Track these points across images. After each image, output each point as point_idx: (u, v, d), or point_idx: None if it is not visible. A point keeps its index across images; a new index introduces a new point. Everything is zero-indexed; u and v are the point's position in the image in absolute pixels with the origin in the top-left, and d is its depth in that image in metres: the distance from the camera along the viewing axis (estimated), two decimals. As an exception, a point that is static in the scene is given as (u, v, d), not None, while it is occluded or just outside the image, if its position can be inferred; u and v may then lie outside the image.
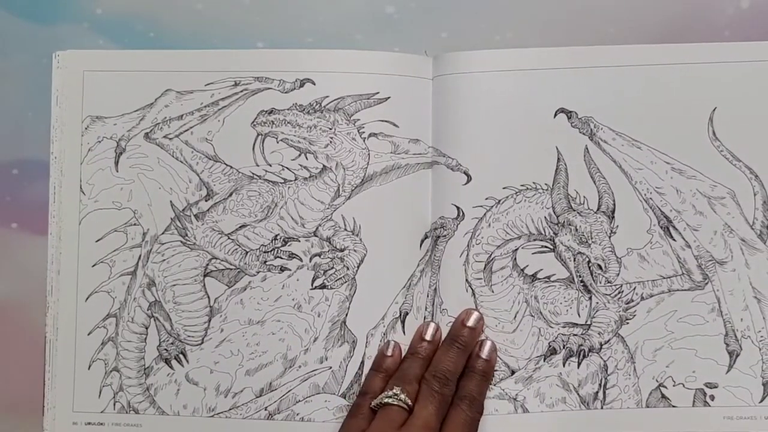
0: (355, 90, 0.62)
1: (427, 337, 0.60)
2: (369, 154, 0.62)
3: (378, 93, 0.62)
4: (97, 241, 0.63)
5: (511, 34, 0.63)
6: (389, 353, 0.61)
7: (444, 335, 0.61)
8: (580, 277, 0.61)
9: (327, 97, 0.62)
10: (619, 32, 0.63)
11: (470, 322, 0.60)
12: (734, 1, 0.63)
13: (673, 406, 0.60)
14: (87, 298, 0.63)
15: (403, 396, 0.57)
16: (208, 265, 0.63)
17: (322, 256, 0.62)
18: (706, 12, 0.63)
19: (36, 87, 0.63)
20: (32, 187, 0.63)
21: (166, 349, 0.62)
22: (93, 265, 0.63)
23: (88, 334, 0.62)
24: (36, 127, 0.63)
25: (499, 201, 0.62)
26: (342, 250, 0.62)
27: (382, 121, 0.62)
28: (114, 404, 0.62)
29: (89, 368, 0.62)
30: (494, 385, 0.60)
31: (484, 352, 0.60)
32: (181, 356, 0.62)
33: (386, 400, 0.57)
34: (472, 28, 0.64)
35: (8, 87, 0.64)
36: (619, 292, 0.61)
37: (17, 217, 0.64)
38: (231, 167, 0.63)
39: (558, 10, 0.64)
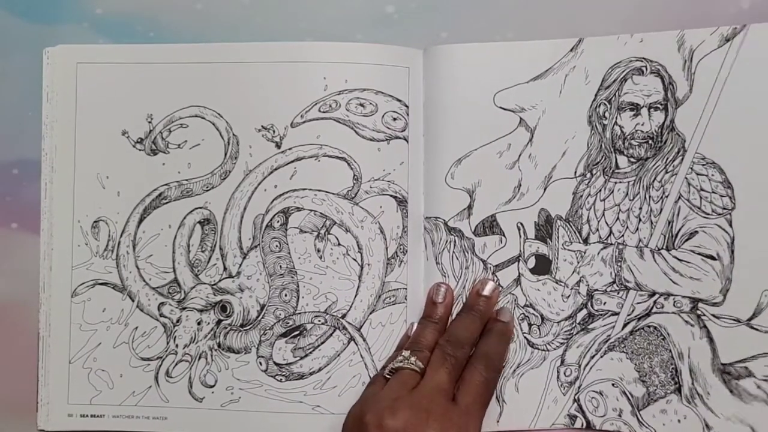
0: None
1: (439, 299, 0.60)
2: None
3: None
4: (88, 237, 0.63)
5: (512, 33, 0.63)
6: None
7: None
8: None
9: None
10: (619, 32, 0.62)
11: (486, 291, 0.60)
12: (734, 1, 0.62)
13: None
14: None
15: (413, 359, 0.57)
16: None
17: None
18: (706, 12, 0.62)
19: (36, 87, 0.63)
20: (32, 187, 0.63)
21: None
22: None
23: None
24: (36, 126, 0.63)
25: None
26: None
27: None
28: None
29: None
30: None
31: (503, 317, 0.60)
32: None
33: (398, 364, 0.57)
34: (472, 27, 0.63)
35: (8, 87, 0.64)
36: None
37: (17, 217, 0.64)
38: None
39: (558, 10, 0.63)
